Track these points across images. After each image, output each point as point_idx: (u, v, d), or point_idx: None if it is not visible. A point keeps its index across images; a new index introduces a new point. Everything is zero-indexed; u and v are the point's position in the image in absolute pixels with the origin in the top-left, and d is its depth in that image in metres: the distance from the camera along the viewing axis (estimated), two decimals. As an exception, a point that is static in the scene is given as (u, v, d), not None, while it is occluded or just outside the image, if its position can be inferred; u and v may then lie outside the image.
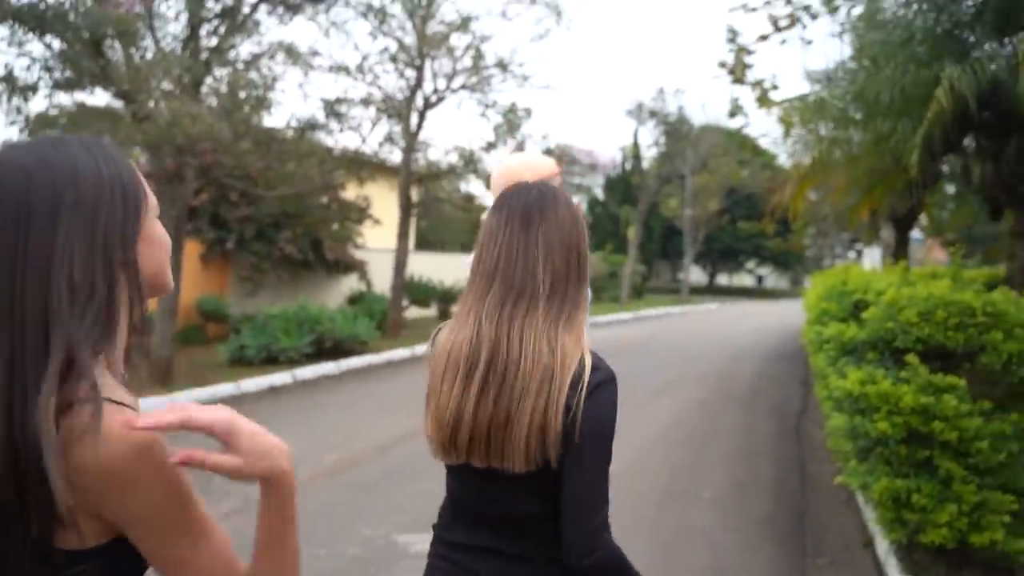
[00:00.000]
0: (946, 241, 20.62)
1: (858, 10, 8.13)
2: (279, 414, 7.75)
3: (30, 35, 8.47)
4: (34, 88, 8.75)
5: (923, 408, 3.74)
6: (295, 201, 12.38)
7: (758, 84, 13.25)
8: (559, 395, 1.39)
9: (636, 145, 36.17)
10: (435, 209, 16.62)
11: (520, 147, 13.45)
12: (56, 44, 8.58)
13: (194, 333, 11.90)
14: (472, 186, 16.04)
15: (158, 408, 0.91)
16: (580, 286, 1.51)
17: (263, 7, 10.25)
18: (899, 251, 10.40)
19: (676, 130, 30.56)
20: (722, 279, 46.40)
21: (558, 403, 1.39)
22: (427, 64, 13.26)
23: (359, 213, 14.46)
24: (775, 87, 13.10)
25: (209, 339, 11.89)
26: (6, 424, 0.88)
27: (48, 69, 8.77)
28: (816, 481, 6.05)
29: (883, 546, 4.34)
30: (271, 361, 10.08)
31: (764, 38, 12.69)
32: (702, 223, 34.59)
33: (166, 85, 8.70)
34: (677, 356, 13.14)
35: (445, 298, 17.28)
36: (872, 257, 19.25)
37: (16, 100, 8.68)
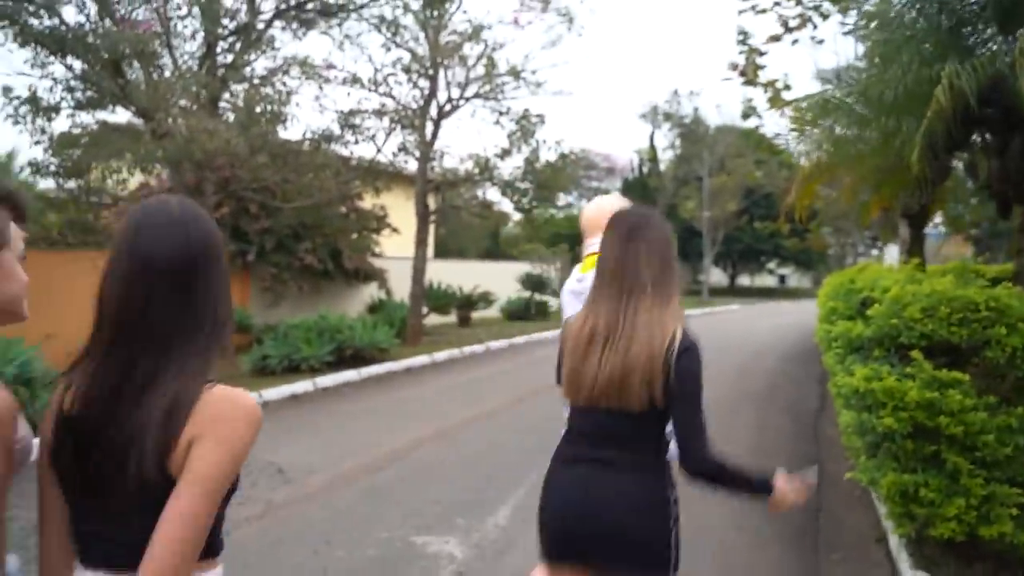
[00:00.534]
0: (968, 237, 20.42)
1: (866, 8, 8.14)
2: (300, 422, 7.87)
3: (52, 57, 8.72)
4: (57, 108, 9.00)
5: (928, 403, 3.76)
6: (313, 212, 12.53)
7: (771, 84, 13.18)
8: (660, 356, 1.95)
9: (652, 148, 36.17)
10: (453, 217, 16.75)
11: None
12: (77, 65, 8.82)
13: (217, 344, 12.04)
14: (490, 193, 16.08)
15: None
16: (671, 281, 2.08)
17: (277, 23, 10.45)
18: (914, 248, 10.35)
19: (692, 132, 30.53)
20: (743, 280, 46.13)
21: (660, 361, 1.95)
22: (440, 74, 13.38)
23: (377, 222, 14.62)
24: (788, 87, 13.01)
25: (232, 350, 12.06)
26: None
27: (70, 90, 9.02)
28: (832, 479, 6.05)
29: (895, 541, 4.36)
30: (293, 370, 10.22)
31: (775, 39, 12.62)
32: (721, 224, 34.45)
33: (184, 102, 8.90)
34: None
35: (465, 304, 17.30)
36: (891, 255, 19.14)
37: (40, 120, 8.93)
